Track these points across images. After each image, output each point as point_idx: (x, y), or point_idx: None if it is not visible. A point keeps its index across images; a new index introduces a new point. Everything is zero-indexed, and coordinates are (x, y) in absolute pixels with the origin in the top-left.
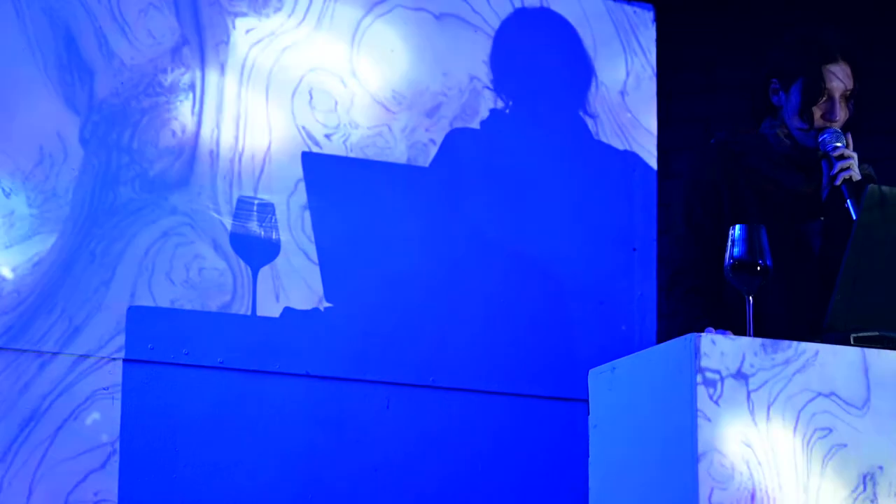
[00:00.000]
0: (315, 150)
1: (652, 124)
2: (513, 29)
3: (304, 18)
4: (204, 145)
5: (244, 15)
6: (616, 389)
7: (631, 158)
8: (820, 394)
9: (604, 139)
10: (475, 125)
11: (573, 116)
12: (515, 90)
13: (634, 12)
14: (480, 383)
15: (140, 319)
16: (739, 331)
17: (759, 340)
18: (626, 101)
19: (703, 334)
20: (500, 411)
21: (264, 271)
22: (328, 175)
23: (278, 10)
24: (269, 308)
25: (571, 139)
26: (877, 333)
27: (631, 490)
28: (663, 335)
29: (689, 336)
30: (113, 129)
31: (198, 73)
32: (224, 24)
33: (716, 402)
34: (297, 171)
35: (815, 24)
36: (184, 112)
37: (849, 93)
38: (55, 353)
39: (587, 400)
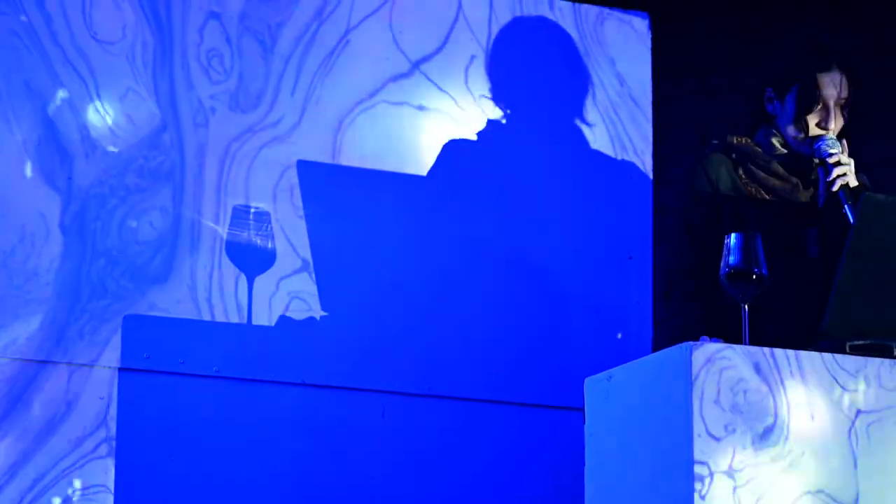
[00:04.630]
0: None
1: (647, 133)
2: (509, 38)
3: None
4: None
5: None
6: (612, 398)
7: (626, 167)
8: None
9: (599, 147)
10: (471, 135)
11: (569, 125)
12: (512, 99)
13: (630, 21)
14: (476, 392)
15: (136, 329)
16: (736, 337)
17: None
18: (622, 109)
19: (697, 343)
20: (496, 420)
21: (260, 280)
22: (324, 184)
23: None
24: (265, 317)
25: (567, 148)
26: (872, 342)
27: (627, 499)
28: (659, 342)
29: (683, 344)
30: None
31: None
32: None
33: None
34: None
35: (810, 32)
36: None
37: (843, 101)
38: (52, 363)
39: (583, 408)
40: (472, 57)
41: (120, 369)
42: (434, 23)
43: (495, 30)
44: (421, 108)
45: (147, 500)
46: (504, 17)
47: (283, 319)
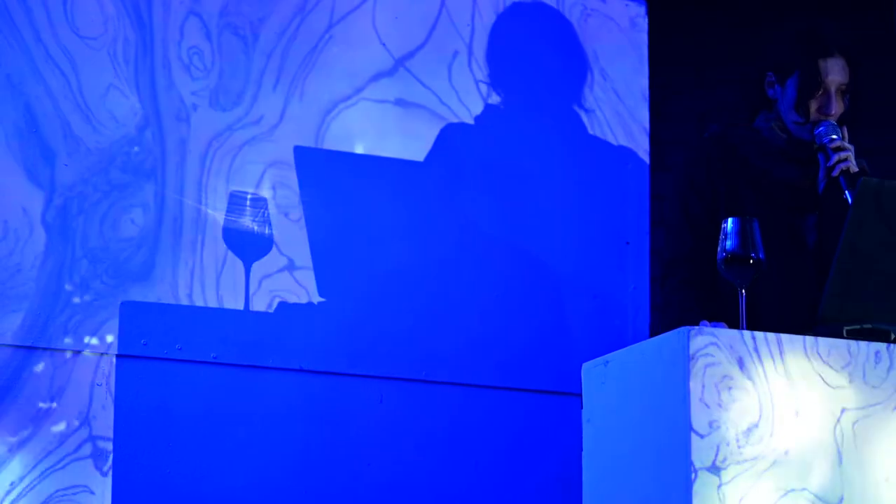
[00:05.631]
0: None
1: (644, 118)
2: (507, 23)
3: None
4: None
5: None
6: (609, 383)
7: (624, 152)
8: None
9: (597, 133)
10: (469, 120)
11: (567, 111)
12: (510, 84)
13: (627, 6)
14: (474, 377)
15: (133, 315)
16: (733, 323)
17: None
18: (619, 95)
19: (695, 327)
20: (494, 405)
21: (257, 266)
22: (322, 169)
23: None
24: (263, 303)
25: (565, 133)
26: (869, 326)
27: (625, 484)
28: (656, 328)
29: (681, 329)
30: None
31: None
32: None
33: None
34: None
35: (810, 18)
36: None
37: (844, 86)
38: (49, 349)
39: (580, 394)
40: (456, 53)
41: (117, 356)
42: (417, 18)
43: (478, 25)
44: (404, 104)
45: (145, 487)
46: (487, 13)
47: (281, 305)
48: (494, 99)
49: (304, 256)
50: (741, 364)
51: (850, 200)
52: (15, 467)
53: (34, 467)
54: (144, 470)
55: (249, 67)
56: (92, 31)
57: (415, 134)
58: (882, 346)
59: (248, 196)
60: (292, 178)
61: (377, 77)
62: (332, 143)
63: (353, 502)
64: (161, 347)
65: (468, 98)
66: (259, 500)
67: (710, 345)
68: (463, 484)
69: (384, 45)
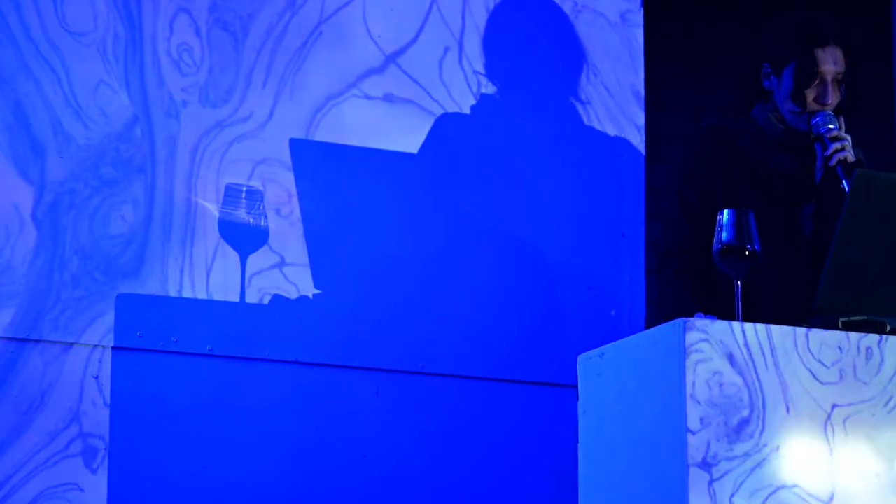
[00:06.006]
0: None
1: (637, 112)
2: (504, 15)
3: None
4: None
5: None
6: (605, 375)
7: (619, 144)
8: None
9: (593, 125)
10: (465, 110)
11: (563, 102)
12: (505, 76)
13: (606, 12)
14: (469, 369)
15: (129, 307)
16: (729, 314)
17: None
18: (615, 86)
19: (690, 319)
20: (490, 397)
21: (248, 262)
22: (317, 161)
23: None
24: (258, 295)
25: (561, 125)
26: (865, 318)
27: (620, 476)
28: (652, 320)
29: (676, 321)
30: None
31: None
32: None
33: None
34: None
35: (806, 8)
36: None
37: (841, 76)
38: (43, 342)
39: (576, 386)
40: (447, 48)
41: (113, 348)
42: (408, 14)
43: (469, 21)
44: (394, 100)
45: (140, 480)
46: (478, 9)
47: (277, 297)
48: (488, 90)
49: (295, 253)
50: (731, 360)
51: (847, 189)
52: (4, 465)
53: (24, 465)
54: (139, 461)
55: (239, 64)
56: (82, 28)
57: (405, 130)
58: (873, 342)
59: (244, 188)
60: (282, 174)
61: (368, 73)
62: (322, 139)
63: (349, 494)
64: (157, 340)
65: (459, 94)
66: (254, 493)
67: (701, 341)
68: (459, 476)
69: (374, 41)
